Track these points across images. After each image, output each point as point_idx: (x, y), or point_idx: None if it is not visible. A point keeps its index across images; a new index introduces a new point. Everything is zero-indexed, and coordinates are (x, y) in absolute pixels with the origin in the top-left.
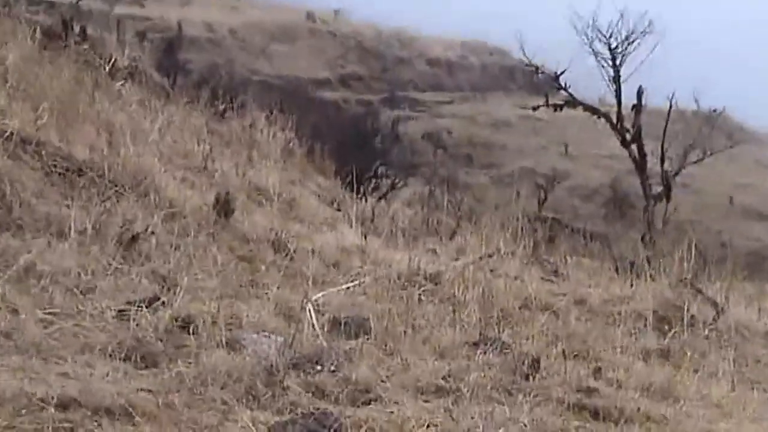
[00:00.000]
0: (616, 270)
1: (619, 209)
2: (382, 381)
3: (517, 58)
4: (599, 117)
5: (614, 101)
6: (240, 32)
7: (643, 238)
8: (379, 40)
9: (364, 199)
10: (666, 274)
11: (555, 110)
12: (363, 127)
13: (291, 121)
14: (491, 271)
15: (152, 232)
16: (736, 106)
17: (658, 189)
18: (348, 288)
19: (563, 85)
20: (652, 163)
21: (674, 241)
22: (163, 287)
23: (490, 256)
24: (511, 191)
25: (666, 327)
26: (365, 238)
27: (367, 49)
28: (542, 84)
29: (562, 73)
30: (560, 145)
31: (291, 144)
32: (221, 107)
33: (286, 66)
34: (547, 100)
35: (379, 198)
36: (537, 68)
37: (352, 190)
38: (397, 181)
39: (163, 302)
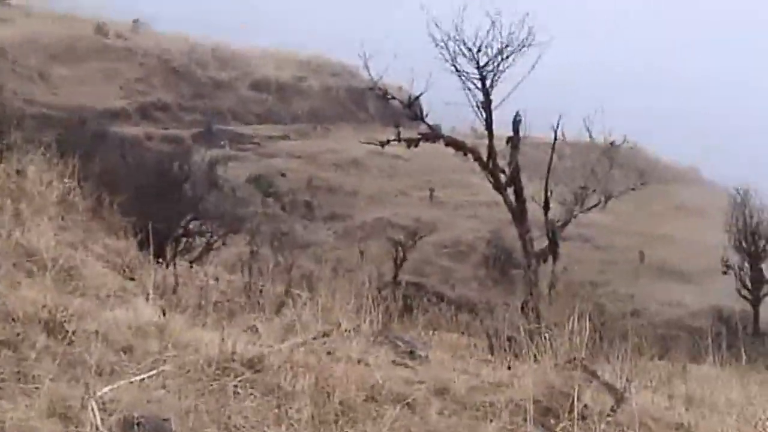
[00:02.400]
0: (491, 349)
1: (501, 270)
2: None
3: (370, 78)
4: (465, 153)
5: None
6: (10, 51)
7: (523, 308)
8: (190, 58)
9: (169, 265)
10: (553, 354)
11: (409, 146)
12: (170, 171)
13: (73, 165)
14: (328, 353)
15: None
16: (648, 138)
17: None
18: (143, 380)
19: (419, 113)
20: (537, 211)
21: (566, 311)
22: None
23: (326, 334)
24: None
25: (551, 420)
26: (164, 314)
27: (176, 69)
28: (400, 113)
29: (417, 98)
30: (424, 189)
31: (72, 195)
32: None
33: (69, 93)
34: (398, 134)
35: (191, 262)
36: (385, 92)
37: (153, 253)
38: (214, 239)
39: None
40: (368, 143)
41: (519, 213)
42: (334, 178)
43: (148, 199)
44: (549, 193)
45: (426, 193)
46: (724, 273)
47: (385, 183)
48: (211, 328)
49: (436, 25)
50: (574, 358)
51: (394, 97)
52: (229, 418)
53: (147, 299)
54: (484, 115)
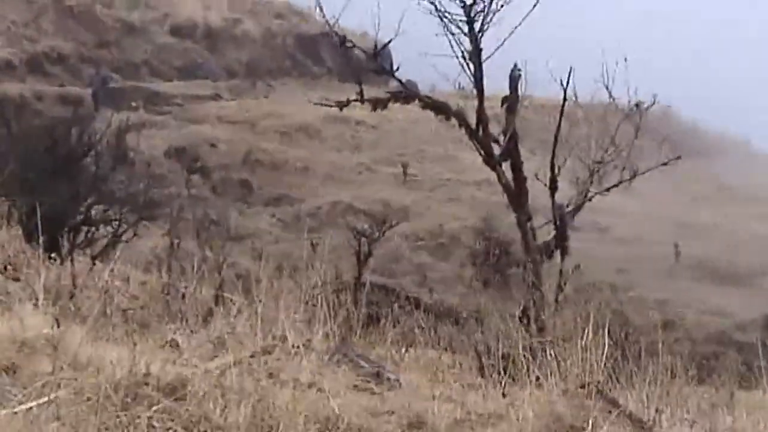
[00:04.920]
0: (480, 370)
1: (494, 269)
2: None
3: (324, 21)
4: (448, 118)
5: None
6: None
7: (522, 318)
8: None
9: (65, 261)
10: (561, 376)
11: (375, 108)
12: (66, 141)
13: None
14: (270, 376)
15: None
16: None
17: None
18: (30, 408)
19: (388, 67)
20: (542, 193)
21: (578, 321)
22: None
23: (268, 352)
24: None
25: None
26: (58, 325)
27: (73, 10)
28: (363, 66)
29: (385, 45)
30: (396, 165)
31: None
32: None
33: None
34: (361, 92)
35: (94, 258)
36: (344, 39)
37: (44, 247)
38: (123, 229)
39: None
40: (322, 105)
41: (517, 195)
42: (278, 151)
43: (38, 178)
44: (557, 170)
45: (398, 170)
46: None
47: (344, 157)
48: (118, 343)
49: None
50: (589, 383)
51: (355, 45)
52: None
53: (36, 305)
54: (473, 69)
